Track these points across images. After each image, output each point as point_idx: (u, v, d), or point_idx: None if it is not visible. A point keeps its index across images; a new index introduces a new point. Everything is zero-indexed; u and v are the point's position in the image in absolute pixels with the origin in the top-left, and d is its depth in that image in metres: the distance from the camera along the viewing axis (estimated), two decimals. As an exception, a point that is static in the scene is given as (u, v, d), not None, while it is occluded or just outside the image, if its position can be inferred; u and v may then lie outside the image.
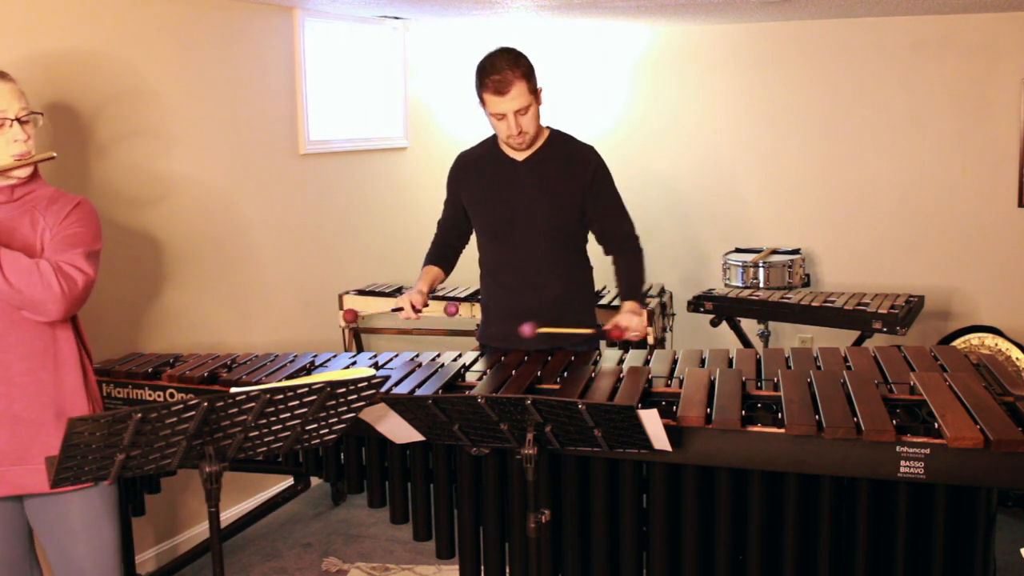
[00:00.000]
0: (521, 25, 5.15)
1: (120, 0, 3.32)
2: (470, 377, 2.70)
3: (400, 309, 2.91)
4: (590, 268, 3.07)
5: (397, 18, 4.68)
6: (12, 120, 2.18)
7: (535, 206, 2.91)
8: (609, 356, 2.85)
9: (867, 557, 2.21)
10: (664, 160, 5.38)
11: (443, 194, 3.13)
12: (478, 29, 5.30)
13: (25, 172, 2.25)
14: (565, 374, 2.65)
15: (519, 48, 2.83)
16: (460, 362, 2.83)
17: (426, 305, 2.93)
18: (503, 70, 2.74)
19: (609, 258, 3.02)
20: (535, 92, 2.82)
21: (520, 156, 2.92)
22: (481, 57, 2.82)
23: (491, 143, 3.01)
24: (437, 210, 3.14)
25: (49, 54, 3.08)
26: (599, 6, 4.18)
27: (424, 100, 4.99)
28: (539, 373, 2.66)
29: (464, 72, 5.26)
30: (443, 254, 3.12)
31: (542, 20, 4.86)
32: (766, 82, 5.07)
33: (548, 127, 2.96)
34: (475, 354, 2.93)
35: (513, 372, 2.68)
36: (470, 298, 4.12)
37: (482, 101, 2.82)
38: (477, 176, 2.99)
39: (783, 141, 5.08)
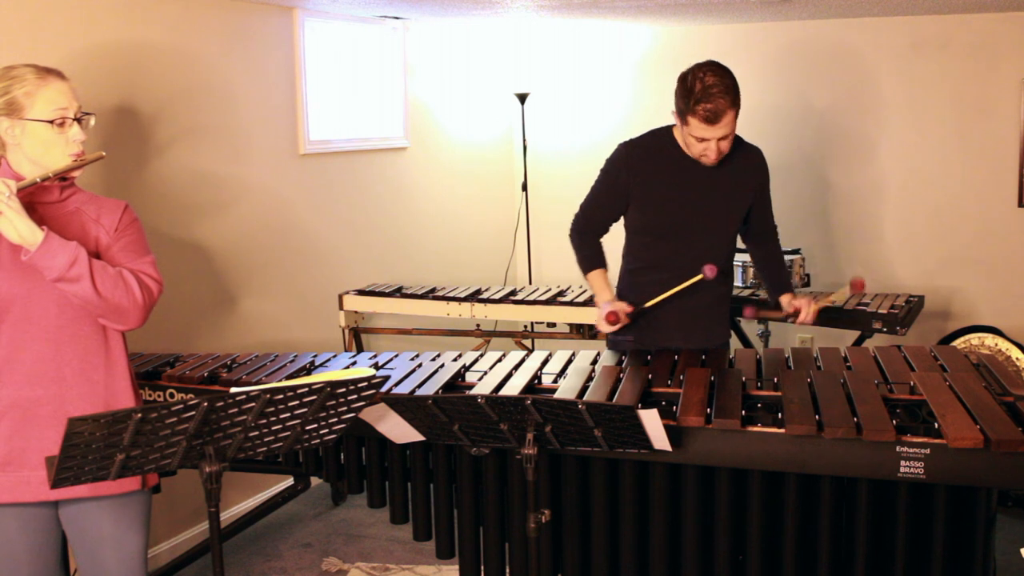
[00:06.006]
0: (521, 25, 5.15)
1: (116, 2, 3.32)
2: (470, 377, 2.70)
3: (612, 318, 2.80)
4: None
5: (397, 18, 4.68)
6: (72, 119, 2.13)
7: (714, 209, 2.88)
8: (608, 356, 2.84)
9: (867, 557, 2.21)
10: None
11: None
12: (478, 29, 5.30)
13: (79, 172, 2.18)
14: (565, 374, 2.65)
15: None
16: (460, 362, 2.83)
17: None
18: (716, 99, 2.63)
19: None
20: (738, 115, 2.72)
21: None
22: (689, 71, 2.69)
23: (666, 138, 2.89)
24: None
25: (42, 58, 3.08)
26: (599, 6, 4.18)
27: (424, 100, 4.99)
28: (539, 372, 2.67)
29: (464, 72, 5.27)
30: (600, 253, 2.97)
31: (542, 20, 4.85)
32: (766, 82, 5.07)
33: None
34: (475, 354, 2.93)
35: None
36: (469, 298, 4.12)
37: (684, 119, 2.71)
38: (654, 171, 2.87)
39: (783, 141, 5.07)
